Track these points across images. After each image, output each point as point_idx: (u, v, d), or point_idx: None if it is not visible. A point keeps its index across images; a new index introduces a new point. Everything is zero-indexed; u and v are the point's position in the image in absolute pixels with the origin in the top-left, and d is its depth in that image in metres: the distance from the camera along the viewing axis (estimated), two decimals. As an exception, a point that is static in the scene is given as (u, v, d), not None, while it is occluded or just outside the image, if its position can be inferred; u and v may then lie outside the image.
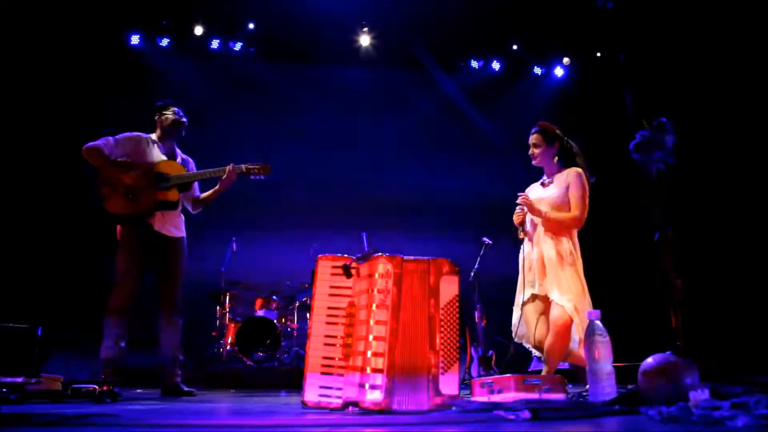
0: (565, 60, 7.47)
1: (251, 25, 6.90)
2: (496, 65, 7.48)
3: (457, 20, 6.73)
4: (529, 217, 3.18)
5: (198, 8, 6.71)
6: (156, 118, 3.71)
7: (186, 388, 3.48)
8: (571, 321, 2.92)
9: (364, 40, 7.10)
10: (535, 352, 3.13)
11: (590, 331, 2.21)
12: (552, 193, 3.14)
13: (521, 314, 3.13)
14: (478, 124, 7.34)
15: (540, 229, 3.13)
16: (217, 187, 3.68)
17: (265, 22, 6.89)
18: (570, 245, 3.05)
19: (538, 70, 7.55)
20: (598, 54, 7.29)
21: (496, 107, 7.34)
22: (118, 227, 3.52)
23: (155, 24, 6.70)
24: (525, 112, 6.98)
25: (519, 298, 3.17)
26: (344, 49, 7.08)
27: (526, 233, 3.19)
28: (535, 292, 3.06)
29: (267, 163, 3.63)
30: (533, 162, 3.27)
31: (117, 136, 3.56)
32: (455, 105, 7.36)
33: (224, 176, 3.58)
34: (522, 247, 3.21)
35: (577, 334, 2.95)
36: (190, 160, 3.82)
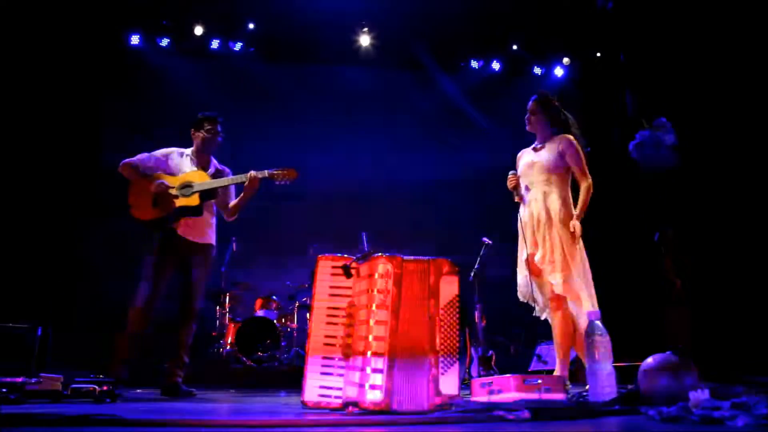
0: (565, 60, 7.47)
1: (251, 25, 6.90)
2: (496, 65, 7.48)
3: (457, 20, 6.73)
4: (523, 182, 3.29)
5: (198, 8, 6.71)
6: (192, 131, 3.78)
7: (185, 388, 3.50)
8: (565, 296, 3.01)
9: (364, 40, 7.10)
10: (537, 312, 3.23)
11: (590, 331, 2.22)
12: (544, 157, 3.25)
13: (526, 274, 3.22)
14: (478, 124, 7.34)
15: (533, 190, 3.24)
16: (242, 194, 3.72)
17: (265, 22, 6.89)
18: (559, 203, 3.15)
19: (538, 70, 7.55)
20: (598, 54, 7.29)
21: (496, 107, 7.34)
22: (153, 233, 3.62)
23: (155, 24, 6.70)
24: (525, 113, 6.97)
25: (521, 257, 3.27)
26: (344, 49, 7.08)
27: (521, 197, 3.30)
28: (532, 251, 3.17)
29: (293, 168, 3.63)
30: (527, 127, 3.40)
31: (153, 152, 3.70)
32: (455, 105, 7.36)
33: (246, 183, 3.61)
34: (521, 207, 3.32)
35: (574, 299, 3.01)
36: (227, 170, 3.85)
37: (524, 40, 7.31)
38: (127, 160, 3.65)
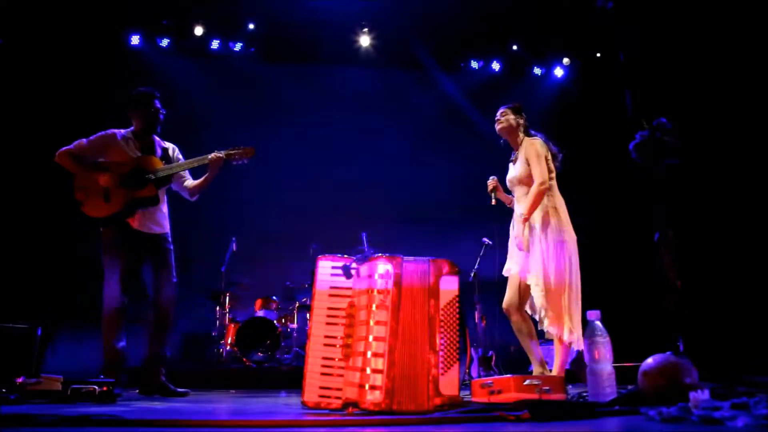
0: (565, 60, 7.47)
1: (251, 26, 6.91)
2: (495, 66, 7.48)
3: (457, 20, 6.73)
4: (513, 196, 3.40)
5: (198, 8, 6.71)
6: (131, 112, 3.55)
7: (173, 387, 3.37)
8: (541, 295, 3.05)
9: (364, 40, 7.10)
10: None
11: (590, 332, 2.21)
12: (517, 171, 3.31)
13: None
14: (478, 125, 7.34)
15: (518, 206, 3.32)
16: (206, 175, 3.56)
17: (265, 22, 6.89)
18: (540, 215, 3.17)
19: (537, 71, 7.55)
20: (598, 54, 7.29)
21: (496, 108, 7.34)
22: (102, 229, 3.43)
23: (155, 24, 6.70)
24: (525, 113, 6.98)
25: (505, 270, 3.37)
26: (344, 49, 7.08)
27: (497, 200, 3.44)
28: (510, 265, 3.28)
29: (252, 148, 3.50)
30: (501, 134, 3.48)
31: (90, 137, 3.46)
32: (455, 105, 7.36)
33: (209, 164, 3.46)
34: (511, 224, 3.42)
35: (539, 302, 3.06)
36: (174, 147, 3.68)
37: (524, 40, 7.31)
38: (64, 149, 3.40)
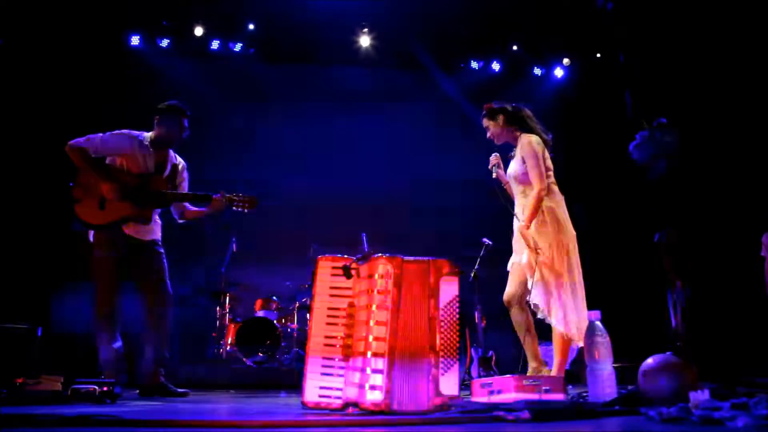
0: (565, 61, 7.47)
1: (251, 26, 6.91)
2: (495, 66, 7.48)
3: (456, 21, 6.74)
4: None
5: (198, 9, 6.71)
6: (156, 120, 3.53)
7: (173, 387, 3.36)
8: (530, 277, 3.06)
9: (364, 40, 7.10)
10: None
11: (590, 332, 2.21)
12: (514, 168, 3.32)
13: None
14: (478, 125, 7.34)
15: (516, 203, 3.33)
16: (205, 210, 3.60)
17: (265, 22, 6.90)
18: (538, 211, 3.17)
19: (537, 71, 7.55)
20: (598, 54, 7.29)
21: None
22: (91, 230, 3.42)
23: (155, 24, 6.70)
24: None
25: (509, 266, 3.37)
26: (344, 49, 7.09)
27: (499, 174, 3.45)
28: (514, 259, 3.29)
29: (255, 198, 3.57)
30: (496, 142, 3.50)
31: (105, 134, 3.41)
32: (455, 106, 7.35)
33: (211, 203, 3.51)
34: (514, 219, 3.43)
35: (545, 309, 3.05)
36: (184, 164, 3.69)
37: (524, 40, 7.31)
38: (76, 141, 3.36)
